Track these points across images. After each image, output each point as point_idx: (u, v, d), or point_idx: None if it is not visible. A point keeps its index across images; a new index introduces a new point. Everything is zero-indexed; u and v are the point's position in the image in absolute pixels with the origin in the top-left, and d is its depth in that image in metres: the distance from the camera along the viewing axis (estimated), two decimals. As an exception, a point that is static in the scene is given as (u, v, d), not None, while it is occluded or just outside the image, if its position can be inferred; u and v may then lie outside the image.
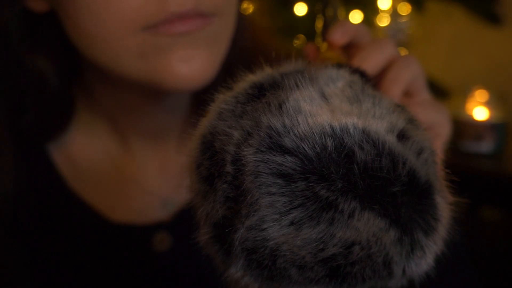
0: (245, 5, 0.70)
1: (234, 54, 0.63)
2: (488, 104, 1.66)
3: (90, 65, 0.59)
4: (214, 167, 0.35)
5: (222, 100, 0.37)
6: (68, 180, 0.64)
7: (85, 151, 0.65)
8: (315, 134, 0.32)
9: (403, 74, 0.46)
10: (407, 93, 0.48)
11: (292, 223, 0.32)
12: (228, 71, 0.64)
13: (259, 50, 0.67)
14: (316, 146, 0.32)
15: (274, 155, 0.32)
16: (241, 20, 0.64)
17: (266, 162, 0.32)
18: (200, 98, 0.66)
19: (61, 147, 0.65)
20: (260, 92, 0.37)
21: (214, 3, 0.54)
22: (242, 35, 0.65)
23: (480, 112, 1.66)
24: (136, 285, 0.62)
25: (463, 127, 1.65)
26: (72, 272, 0.62)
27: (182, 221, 0.64)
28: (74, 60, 0.61)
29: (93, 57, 0.56)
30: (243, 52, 0.65)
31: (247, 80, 0.38)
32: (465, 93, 1.70)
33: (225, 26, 0.57)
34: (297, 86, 0.36)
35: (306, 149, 0.32)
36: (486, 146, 1.63)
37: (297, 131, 0.33)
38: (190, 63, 0.53)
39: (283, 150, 0.32)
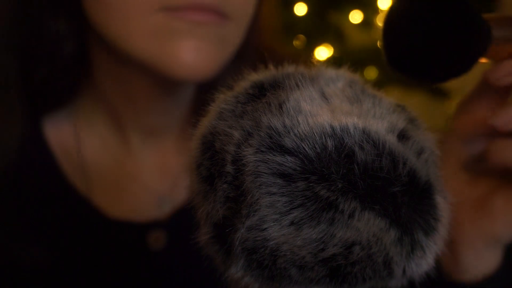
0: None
1: (244, 54, 0.64)
2: (488, 104, 1.66)
3: (100, 49, 0.59)
4: (214, 167, 0.35)
5: (223, 100, 0.37)
6: (67, 174, 0.64)
7: (85, 146, 0.66)
8: (316, 134, 0.32)
9: None
10: None
11: (292, 223, 0.32)
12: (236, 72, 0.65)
13: (265, 50, 0.68)
14: (316, 146, 0.32)
15: (274, 155, 0.32)
16: (256, 22, 0.65)
17: (266, 162, 0.32)
18: (202, 99, 0.66)
19: (62, 142, 0.65)
20: (260, 92, 0.37)
21: (234, 8, 0.55)
22: (255, 38, 0.66)
23: (480, 112, 1.65)
24: (130, 282, 0.63)
25: (463, 127, 1.65)
26: (67, 265, 0.62)
27: (178, 220, 0.64)
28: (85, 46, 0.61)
29: (106, 32, 0.57)
30: (252, 53, 0.66)
31: (248, 80, 0.38)
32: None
33: (236, 31, 0.58)
34: (298, 86, 0.36)
35: (307, 149, 0.32)
36: (486, 146, 1.63)
37: (297, 131, 0.33)
38: (198, 54, 0.54)
39: (283, 150, 0.32)
